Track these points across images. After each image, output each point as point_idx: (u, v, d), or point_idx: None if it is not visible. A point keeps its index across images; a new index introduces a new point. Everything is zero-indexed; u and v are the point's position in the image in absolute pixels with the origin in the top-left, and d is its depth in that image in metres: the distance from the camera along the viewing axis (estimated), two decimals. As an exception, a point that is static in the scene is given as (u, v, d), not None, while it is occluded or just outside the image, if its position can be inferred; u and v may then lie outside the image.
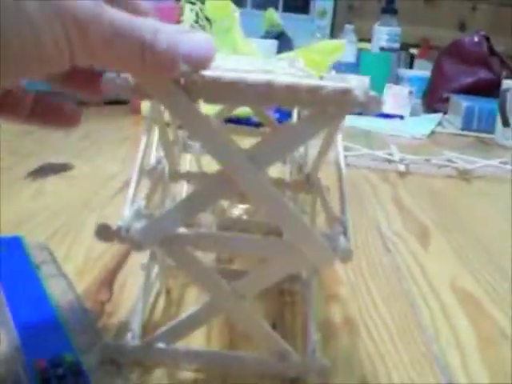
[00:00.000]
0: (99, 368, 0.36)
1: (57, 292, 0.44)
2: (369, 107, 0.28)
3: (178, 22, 1.35)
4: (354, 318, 0.46)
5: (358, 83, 0.29)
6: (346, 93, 0.28)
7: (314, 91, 0.28)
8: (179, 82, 0.29)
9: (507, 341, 0.45)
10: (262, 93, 0.28)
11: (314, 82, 0.28)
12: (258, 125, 1.18)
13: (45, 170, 0.80)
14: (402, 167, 0.99)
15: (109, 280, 0.49)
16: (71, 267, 0.50)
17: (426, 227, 0.71)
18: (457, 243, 0.66)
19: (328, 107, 0.28)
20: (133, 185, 0.37)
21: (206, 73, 0.29)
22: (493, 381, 0.39)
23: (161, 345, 0.37)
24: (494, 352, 0.43)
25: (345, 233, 0.33)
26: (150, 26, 0.26)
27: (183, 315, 0.37)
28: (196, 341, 0.41)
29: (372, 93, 0.28)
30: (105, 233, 0.32)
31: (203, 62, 0.28)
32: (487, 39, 1.67)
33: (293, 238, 0.33)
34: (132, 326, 0.39)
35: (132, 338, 0.38)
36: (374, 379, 0.39)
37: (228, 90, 0.29)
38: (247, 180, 0.30)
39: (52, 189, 0.72)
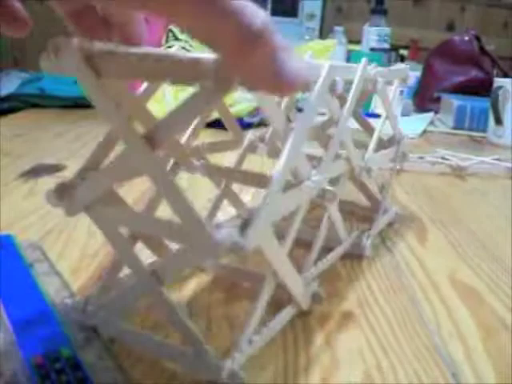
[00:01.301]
0: (98, 363, 0.35)
1: (51, 290, 0.44)
2: (222, 83, 0.28)
3: (168, 31, 1.34)
4: (355, 312, 0.46)
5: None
6: (196, 64, 0.28)
7: (194, 64, 0.28)
8: (89, 55, 0.31)
9: (508, 331, 0.45)
10: (146, 66, 0.30)
11: (197, 55, 0.28)
12: (249, 125, 1.18)
13: (37, 171, 0.80)
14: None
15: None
16: (66, 265, 0.49)
17: (423, 223, 0.70)
18: (454, 238, 0.65)
19: (206, 81, 0.28)
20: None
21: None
22: (497, 370, 0.39)
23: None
24: (497, 342, 0.43)
25: (244, 226, 0.31)
26: None
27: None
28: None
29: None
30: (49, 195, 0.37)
31: None
32: (477, 38, 1.67)
33: (182, 223, 0.32)
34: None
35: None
36: (378, 372, 0.38)
37: (117, 64, 0.31)
38: (141, 159, 0.32)
39: (45, 189, 0.71)
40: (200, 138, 0.53)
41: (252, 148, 0.58)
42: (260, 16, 0.24)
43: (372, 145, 0.56)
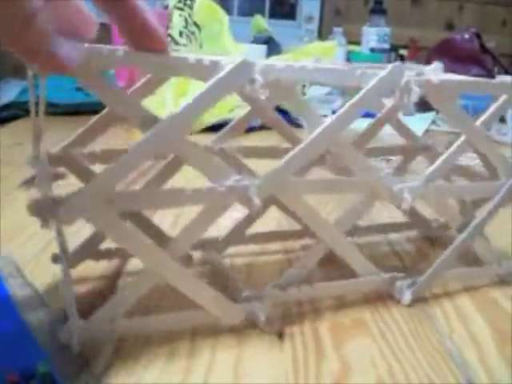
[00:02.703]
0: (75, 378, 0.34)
1: (25, 304, 0.42)
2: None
3: (167, 28, 1.33)
4: (366, 320, 0.45)
5: None
6: None
7: None
8: None
9: (524, 335, 0.44)
10: None
11: None
12: (251, 129, 1.17)
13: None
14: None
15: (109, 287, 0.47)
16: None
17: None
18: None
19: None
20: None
21: None
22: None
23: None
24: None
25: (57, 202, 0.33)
26: None
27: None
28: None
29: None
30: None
31: None
32: (478, 36, 1.67)
33: None
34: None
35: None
36: (390, 379, 0.37)
37: None
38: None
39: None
40: (201, 142, 0.51)
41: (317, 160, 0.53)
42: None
43: (433, 167, 0.46)
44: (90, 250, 0.49)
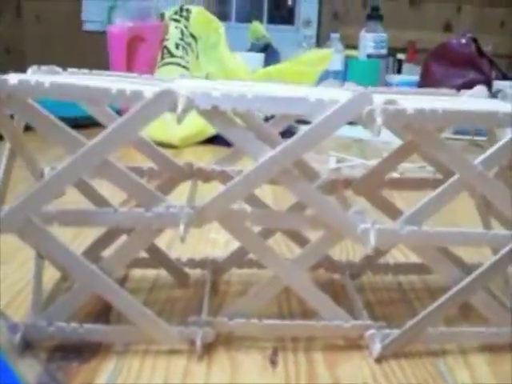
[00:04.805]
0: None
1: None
2: None
3: (163, 40, 1.34)
4: (359, 341, 0.44)
5: None
6: None
7: None
8: None
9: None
10: None
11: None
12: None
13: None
14: (396, 176, 0.98)
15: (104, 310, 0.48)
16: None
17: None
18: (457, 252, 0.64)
19: None
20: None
21: None
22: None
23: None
24: (504, 365, 0.42)
25: None
26: None
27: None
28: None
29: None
30: None
31: None
32: (475, 40, 1.66)
33: None
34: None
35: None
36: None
37: None
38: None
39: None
40: (200, 155, 0.51)
41: (331, 189, 0.50)
42: None
43: (415, 208, 0.42)
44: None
